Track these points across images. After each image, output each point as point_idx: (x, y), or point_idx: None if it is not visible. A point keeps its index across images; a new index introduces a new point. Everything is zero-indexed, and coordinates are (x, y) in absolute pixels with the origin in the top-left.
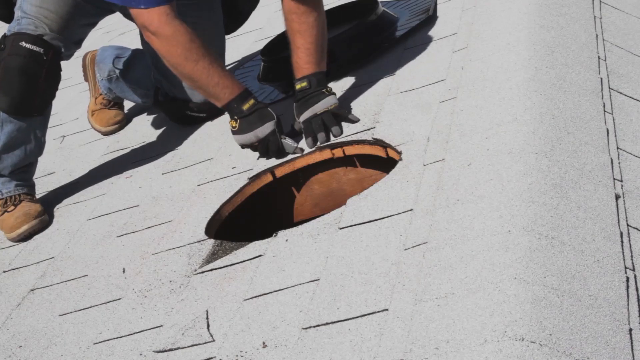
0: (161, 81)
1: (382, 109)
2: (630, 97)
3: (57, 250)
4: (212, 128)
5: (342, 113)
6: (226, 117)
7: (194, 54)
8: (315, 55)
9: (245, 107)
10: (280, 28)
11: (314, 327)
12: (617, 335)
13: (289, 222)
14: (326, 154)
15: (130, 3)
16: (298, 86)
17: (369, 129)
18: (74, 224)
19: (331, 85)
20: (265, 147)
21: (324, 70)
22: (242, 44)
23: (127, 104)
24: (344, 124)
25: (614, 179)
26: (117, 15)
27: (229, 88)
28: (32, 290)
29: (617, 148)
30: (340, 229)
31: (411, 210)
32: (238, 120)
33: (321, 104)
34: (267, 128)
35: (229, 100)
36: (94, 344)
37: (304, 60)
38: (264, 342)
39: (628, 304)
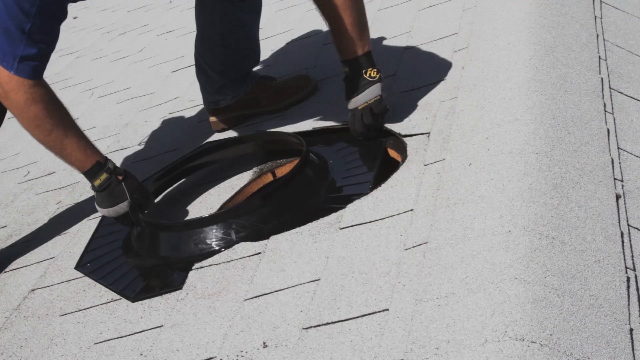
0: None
1: None
2: (631, 97)
3: (57, 250)
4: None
5: (379, 109)
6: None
7: (47, 124)
8: (353, 37)
9: (96, 182)
10: (281, 27)
11: (315, 327)
12: (617, 336)
13: None
14: None
15: None
16: (344, 70)
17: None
18: (75, 223)
19: (332, 86)
20: (121, 222)
21: (363, 53)
22: None
23: (126, 108)
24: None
25: (615, 178)
26: (118, 15)
27: (80, 161)
28: (33, 290)
29: (618, 148)
30: (341, 229)
31: (412, 210)
32: (95, 193)
33: (361, 97)
34: (119, 210)
35: (82, 173)
36: (95, 344)
37: (341, 45)
38: (264, 342)
39: (629, 304)
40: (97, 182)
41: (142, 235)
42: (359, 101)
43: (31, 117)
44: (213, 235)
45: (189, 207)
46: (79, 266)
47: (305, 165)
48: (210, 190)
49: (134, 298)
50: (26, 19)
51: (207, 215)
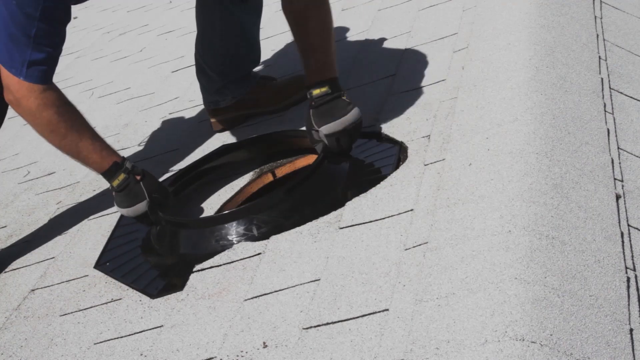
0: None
1: (383, 108)
2: (631, 97)
3: (57, 250)
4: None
5: (361, 126)
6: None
7: (61, 128)
8: (333, 56)
9: (115, 183)
10: (281, 27)
11: (315, 327)
12: (617, 336)
13: None
14: None
15: (2, 61)
16: (316, 91)
17: (369, 127)
18: (75, 224)
19: None
20: (140, 222)
21: (336, 75)
22: None
23: (127, 106)
24: None
25: (615, 179)
26: (117, 15)
27: (97, 163)
28: (33, 290)
29: (618, 148)
30: (341, 228)
31: (412, 210)
32: (113, 193)
33: (349, 117)
34: (138, 210)
35: (100, 174)
36: (95, 344)
37: (324, 62)
38: (264, 342)
39: (629, 304)
40: (116, 183)
41: (161, 233)
42: (346, 122)
43: (44, 122)
44: (234, 232)
45: (193, 208)
46: (98, 265)
47: (324, 161)
48: (212, 190)
49: (156, 296)
50: (31, 23)
51: (227, 211)
